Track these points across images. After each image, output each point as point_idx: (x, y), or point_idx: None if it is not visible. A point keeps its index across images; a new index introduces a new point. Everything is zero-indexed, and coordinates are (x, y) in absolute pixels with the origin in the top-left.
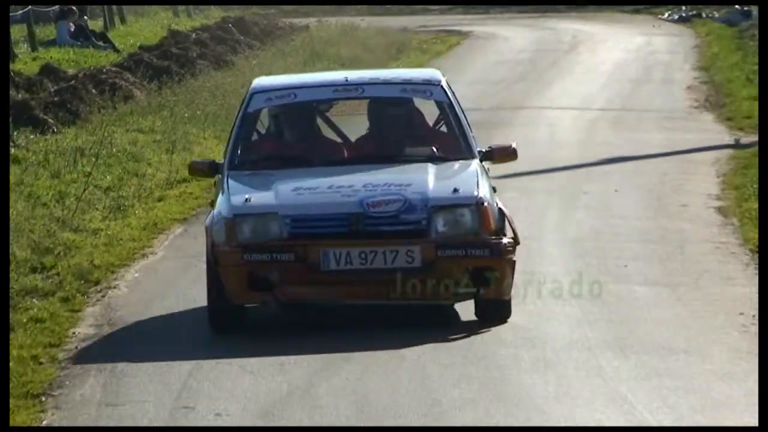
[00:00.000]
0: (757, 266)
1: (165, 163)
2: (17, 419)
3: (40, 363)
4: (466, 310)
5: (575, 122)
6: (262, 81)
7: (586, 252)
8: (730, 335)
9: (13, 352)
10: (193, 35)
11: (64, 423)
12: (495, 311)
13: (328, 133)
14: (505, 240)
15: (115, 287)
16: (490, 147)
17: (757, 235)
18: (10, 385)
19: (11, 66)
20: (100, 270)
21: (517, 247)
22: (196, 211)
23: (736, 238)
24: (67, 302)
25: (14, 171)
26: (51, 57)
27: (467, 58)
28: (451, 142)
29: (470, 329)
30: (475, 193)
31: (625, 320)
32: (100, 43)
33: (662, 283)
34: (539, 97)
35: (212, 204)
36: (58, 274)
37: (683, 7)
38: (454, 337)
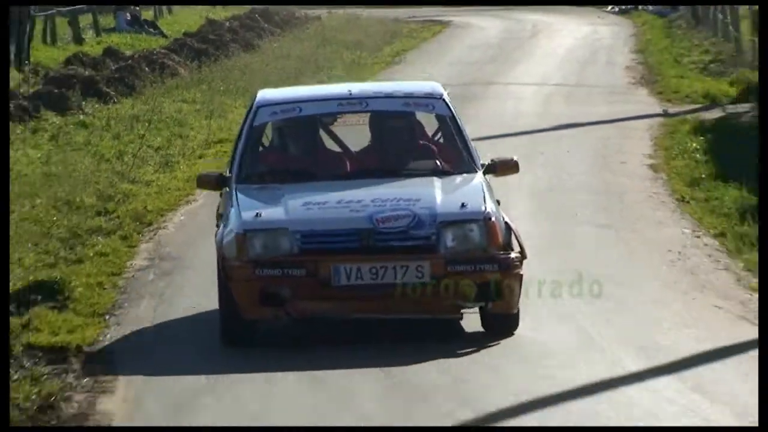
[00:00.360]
0: (684, 213)
1: (204, 128)
2: (86, 334)
3: (104, 288)
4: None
5: (535, 96)
6: (266, 94)
7: (543, 201)
8: (660, 269)
9: (82, 279)
10: (227, 23)
11: (123, 341)
12: (502, 324)
13: (331, 146)
14: (513, 254)
15: (164, 227)
16: (492, 160)
17: (683, 186)
18: (79, 306)
19: (79, 48)
20: (152, 214)
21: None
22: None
23: (665, 189)
24: (126, 240)
25: (82, 134)
26: (112, 41)
27: (447, 43)
28: (454, 155)
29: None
30: (483, 209)
31: (576, 256)
32: (151, 30)
33: (606, 226)
34: (506, 76)
35: (218, 215)
36: (118, 216)
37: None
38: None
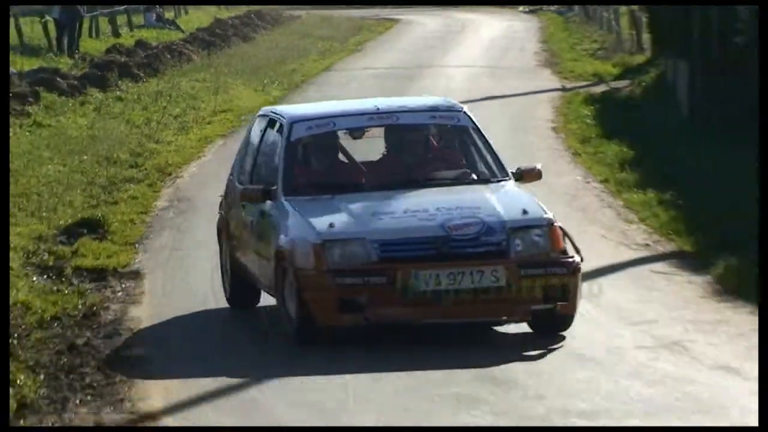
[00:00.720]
0: (577, 164)
1: (212, 101)
2: (121, 258)
3: (135, 224)
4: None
5: (465, 76)
6: (294, 110)
7: None
8: (559, 207)
9: (118, 216)
10: (230, 21)
11: (150, 263)
12: (559, 325)
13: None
14: (577, 258)
15: (181, 177)
16: (518, 168)
17: (577, 143)
18: (115, 237)
19: (117, 41)
20: (172, 166)
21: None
22: (231, 131)
23: (563, 146)
24: (151, 186)
25: (118, 106)
26: (142, 35)
27: (397, 36)
28: (484, 164)
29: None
30: (546, 215)
31: None
32: (172, 27)
33: None
34: (441, 60)
35: (226, 229)
36: (145, 169)
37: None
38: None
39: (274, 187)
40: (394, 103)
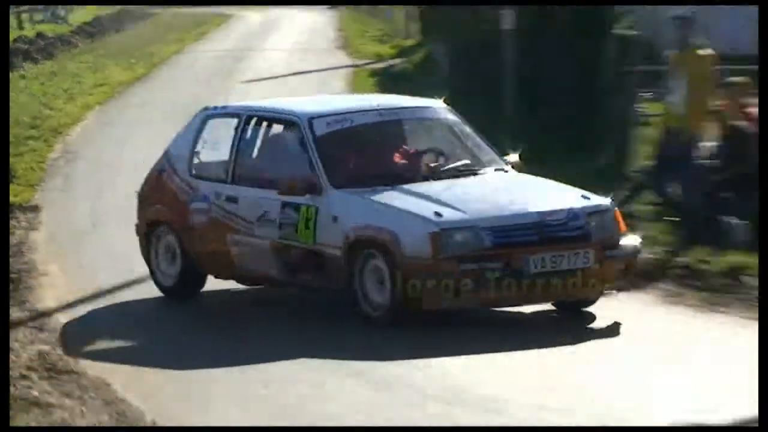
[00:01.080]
0: None
1: (92, 77)
2: (24, 196)
3: (35, 170)
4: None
5: (279, 56)
6: (305, 107)
7: None
8: None
9: (22, 165)
10: (106, 17)
11: (46, 200)
12: (586, 303)
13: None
14: (639, 240)
15: (69, 135)
16: (505, 159)
17: None
18: (20, 180)
19: (22, 33)
20: (63, 127)
21: None
22: (106, 100)
23: None
24: (46, 142)
25: (23, 82)
26: (41, 28)
27: (229, 27)
28: (482, 154)
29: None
30: (605, 200)
31: None
32: (63, 22)
33: None
34: (263, 44)
35: (176, 215)
36: (42, 129)
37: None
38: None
39: (319, 180)
40: (390, 102)
